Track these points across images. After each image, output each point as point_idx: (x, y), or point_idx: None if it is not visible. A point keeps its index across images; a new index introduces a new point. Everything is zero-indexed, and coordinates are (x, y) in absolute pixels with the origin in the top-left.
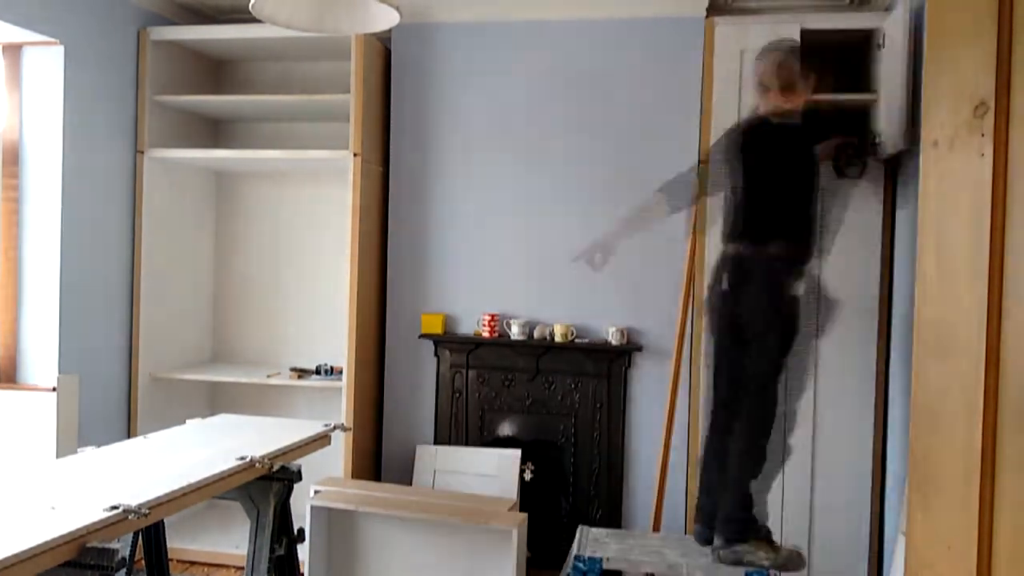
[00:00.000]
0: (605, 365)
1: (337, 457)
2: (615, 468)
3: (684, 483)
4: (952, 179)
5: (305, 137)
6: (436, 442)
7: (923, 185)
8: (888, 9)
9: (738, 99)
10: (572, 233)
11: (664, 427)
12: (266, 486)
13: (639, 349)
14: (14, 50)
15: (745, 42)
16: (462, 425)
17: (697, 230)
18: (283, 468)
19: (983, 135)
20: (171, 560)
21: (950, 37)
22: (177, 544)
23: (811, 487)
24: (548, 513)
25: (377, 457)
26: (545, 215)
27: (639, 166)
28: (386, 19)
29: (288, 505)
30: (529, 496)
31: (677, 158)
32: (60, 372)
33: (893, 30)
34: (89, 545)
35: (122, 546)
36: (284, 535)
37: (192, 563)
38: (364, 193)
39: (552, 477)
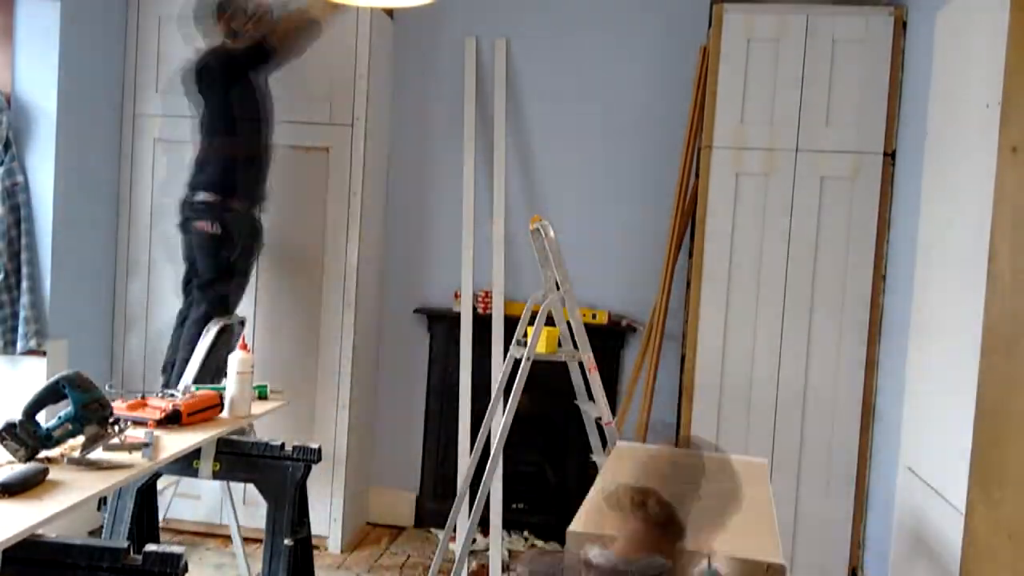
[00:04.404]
0: (598, 344)
1: None
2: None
3: None
4: None
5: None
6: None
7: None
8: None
9: (743, 86)
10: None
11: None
12: (283, 467)
13: (633, 330)
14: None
15: (752, 31)
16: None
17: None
18: (302, 448)
19: None
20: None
21: None
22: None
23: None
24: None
25: None
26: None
27: (633, 153)
28: None
29: (306, 487)
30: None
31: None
32: (50, 337)
33: None
34: (150, 550)
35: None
36: (303, 517)
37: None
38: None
39: (542, 451)
